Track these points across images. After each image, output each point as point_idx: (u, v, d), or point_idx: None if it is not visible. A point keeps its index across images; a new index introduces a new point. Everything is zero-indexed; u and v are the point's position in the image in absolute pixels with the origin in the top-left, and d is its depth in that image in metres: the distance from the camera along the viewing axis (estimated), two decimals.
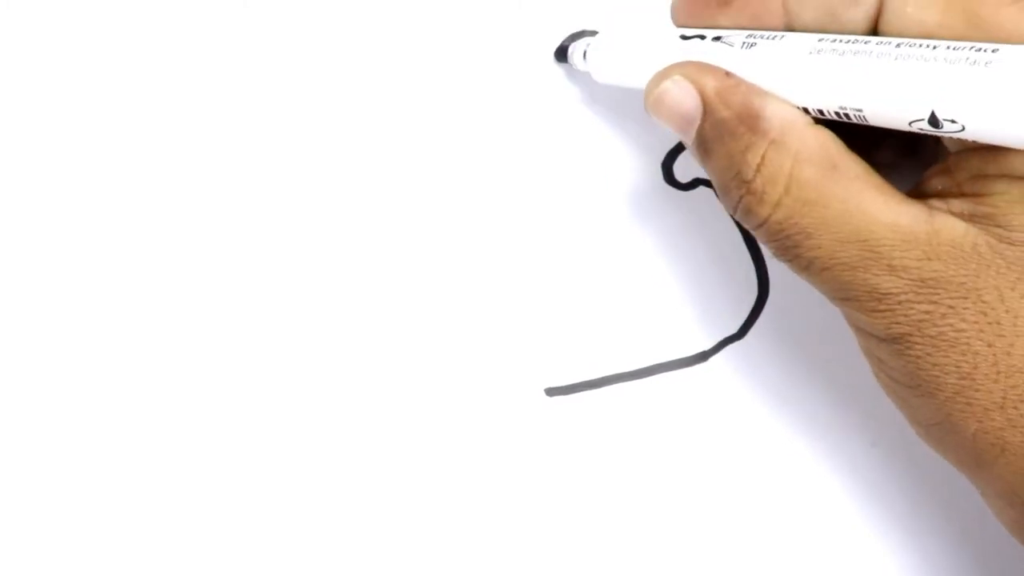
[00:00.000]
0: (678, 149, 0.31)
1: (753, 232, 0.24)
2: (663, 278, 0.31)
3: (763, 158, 0.23)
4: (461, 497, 0.29)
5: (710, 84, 0.24)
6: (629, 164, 0.31)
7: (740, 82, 0.24)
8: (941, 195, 0.23)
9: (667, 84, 0.24)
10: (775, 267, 0.31)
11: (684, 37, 0.26)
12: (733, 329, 0.31)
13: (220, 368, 0.29)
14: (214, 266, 0.30)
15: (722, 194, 0.25)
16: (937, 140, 0.25)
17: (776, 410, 0.30)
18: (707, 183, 0.31)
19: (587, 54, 0.29)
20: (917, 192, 0.24)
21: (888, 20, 0.23)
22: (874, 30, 0.23)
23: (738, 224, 0.31)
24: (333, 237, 0.30)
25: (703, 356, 0.31)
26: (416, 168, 0.31)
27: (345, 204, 0.30)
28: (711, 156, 0.24)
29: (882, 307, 0.22)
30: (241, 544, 0.29)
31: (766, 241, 0.24)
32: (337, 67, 0.31)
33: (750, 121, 0.23)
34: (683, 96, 0.24)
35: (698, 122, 0.24)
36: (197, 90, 0.30)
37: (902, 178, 0.25)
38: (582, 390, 0.30)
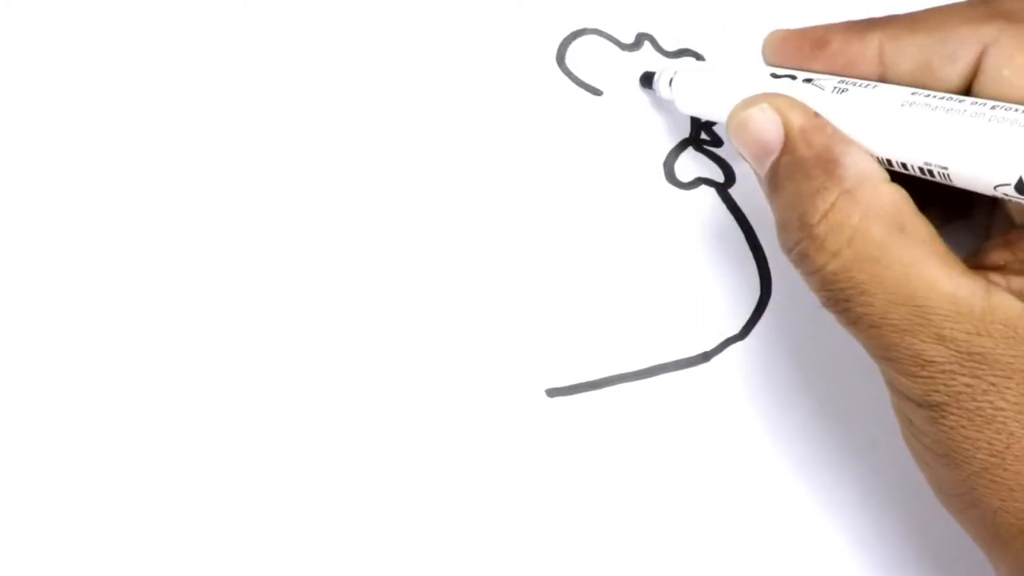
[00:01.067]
0: (680, 148, 0.31)
1: (804, 278, 0.24)
2: (665, 278, 0.31)
3: (832, 205, 0.23)
4: (462, 498, 0.29)
5: (797, 120, 0.24)
6: (630, 163, 0.31)
7: (826, 125, 0.24)
8: (1002, 270, 0.23)
9: (754, 111, 0.24)
10: (777, 268, 0.31)
11: (775, 76, 0.26)
12: (735, 329, 0.31)
13: (220, 368, 0.29)
14: (215, 266, 0.30)
15: (781, 232, 0.24)
16: (994, 209, 0.25)
17: (778, 410, 0.30)
18: (708, 182, 0.31)
19: (673, 83, 0.29)
20: (977, 262, 0.24)
21: (983, 81, 0.23)
22: (967, 90, 0.23)
23: (741, 224, 0.31)
24: (334, 238, 0.30)
25: (705, 356, 0.30)
26: (417, 168, 0.31)
27: (346, 205, 0.30)
28: (780, 192, 0.24)
29: (924, 373, 0.22)
30: (241, 544, 0.28)
31: (817, 289, 0.24)
32: (337, 68, 0.31)
33: (828, 165, 0.23)
34: (768, 125, 0.24)
35: (776, 155, 0.24)
36: (198, 90, 0.31)
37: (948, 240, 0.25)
38: (583, 391, 0.30)
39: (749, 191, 0.31)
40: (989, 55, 0.23)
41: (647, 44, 0.32)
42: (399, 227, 0.30)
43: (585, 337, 0.30)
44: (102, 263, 0.29)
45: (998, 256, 0.23)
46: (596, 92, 0.31)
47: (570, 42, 0.31)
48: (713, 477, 0.30)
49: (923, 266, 0.22)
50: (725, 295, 0.31)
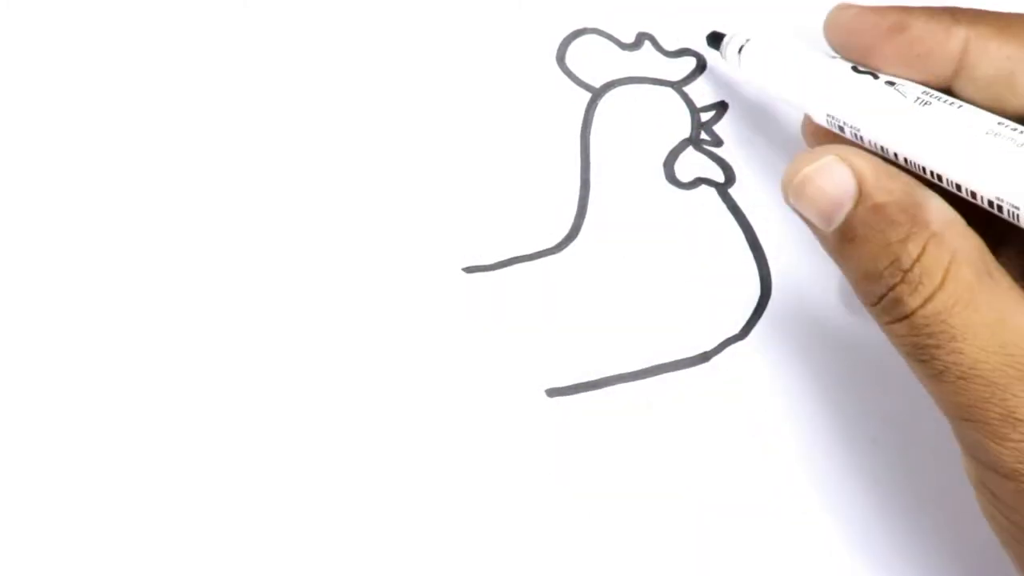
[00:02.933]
0: (680, 148, 0.31)
1: (888, 327, 0.23)
2: (664, 278, 0.31)
3: (924, 249, 0.21)
4: (462, 498, 0.29)
5: (868, 168, 0.22)
6: (630, 163, 0.31)
7: (899, 172, 0.22)
8: None
9: (819, 166, 0.23)
10: (777, 268, 0.31)
11: (857, 70, 0.24)
12: (735, 330, 0.31)
13: (221, 368, 0.29)
14: (215, 266, 0.30)
15: (867, 282, 0.22)
16: None
17: (778, 410, 0.30)
18: (708, 182, 0.31)
19: (743, 51, 0.28)
20: None
21: None
22: None
23: (741, 224, 0.31)
24: (334, 237, 0.30)
25: (705, 356, 0.30)
26: (417, 168, 0.31)
27: (346, 205, 0.30)
28: (859, 243, 0.22)
29: (1015, 435, 0.20)
30: (241, 544, 0.28)
31: (904, 334, 0.22)
32: (337, 67, 0.31)
33: (913, 209, 0.22)
34: (839, 178, 0.22)
35: (849, 207, 0.22)
36: (198, 90, 0.31)
37: None
38: (583, 391, 0.30)
39: (749, 191, 0.31)
40: None
41: (647, 44, 0.32)
42: (399, 226, 0.30)
43: (585, 337, 0.30)
44: (101, 263, 0.29)
45: None
46: (596, 92, 0.31)
47: (570, 42, 0.31)
48: (713, 477, 0.30)
49: (1015, 312, 0.21)
50: (725, 295, 0.31)
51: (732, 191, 0.31)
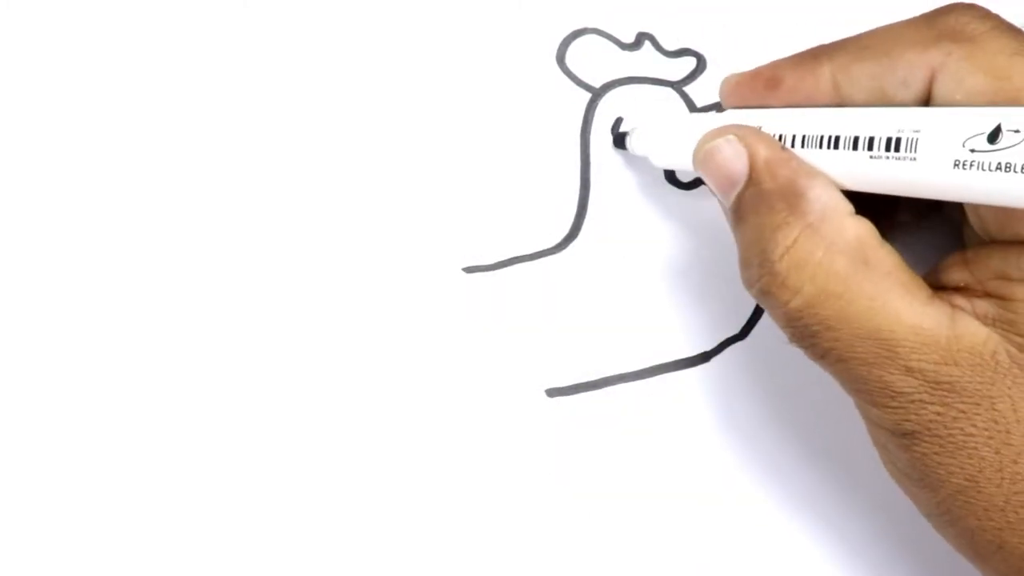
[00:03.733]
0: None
1: (769, 314, 0.24)
2: (665, 278, 0.31)
3: (795, 241, 0.22)
4: (462, 498, 0.29)
5: (762, 152, 0.23)
6: (630, 163, 0.31)
7: (792, 158, 0.23)
8: (964, 291, 0.23)
9: (720, 142, 0.24)
10: None
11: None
12: (735, 329, 0.31)
13: (221, 368, 0.29)
14: (215, 266, 0.30)
15: (743, 269, 0.24)
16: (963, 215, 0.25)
17: (777, 410, 0.30)
18: None
19: (639, 143, 0.29)
20: (938, 280, 0.23)
21: (938, 105, 0.22)
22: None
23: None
24: (334, 238, 0.30)
25: (705, 357, 0.30)
26: (417, 168, 0.31)
27: (346, 205, 0.30)
28: (742, 225, 0.24)
29: (893, 404, 0.22)
30: (242, 543, 0.28)
31: (782, 326, 0.24)
32: (338, 67, 0.31)
33: (792, 199, 0.23)
34: (733, 156, 0.24)
35: (740, 187, 0.24)
36: (198, 90, 0.31)
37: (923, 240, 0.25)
38: (583, 391, 0.30)
39: None
40: (939, 80, 0.22)
41: (647, 44, 0.32)
42: (399, 227, 0.30)
43: (585, 337, 0.30)
44: (101, 263, 0.29)
45: (958, 276, 0.23)
46: (596, 92, 0.31)
47: (570, 42, 0.31)
48: (713, 477, 0.30)
49: (887, 299, 0.22)
50: (725, 295, 0.31)
51: None
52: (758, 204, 0.23)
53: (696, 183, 0.31)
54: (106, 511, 0.28)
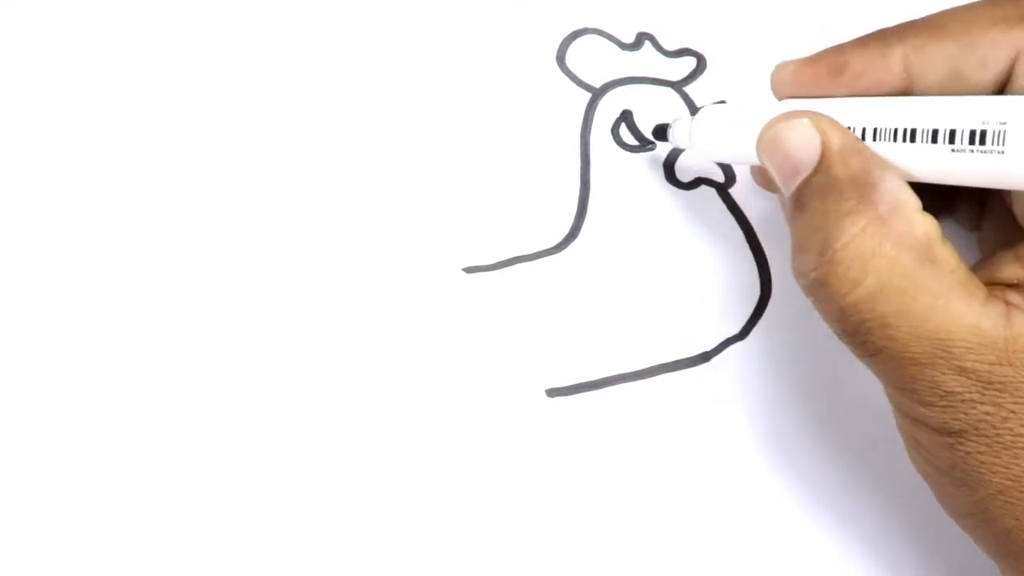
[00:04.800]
0: (680, 148, 0.31)
1: (818, 306, 0.23)
2: (665, 278, 0.31)
3: (863, 229, 0.22)
4: (462, 498, 0.29)
5: (836, 139, 0.22)
6: (631, 163, 0.31)
7: (865, 149, 0.23)
8: (1017, 287, 0.22)
9: (791, 124, 0.23)
10: (777, 268, 0.31)
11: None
12: (735, 330, 0.31)
13: (222, 368, 0.29)
14: (215, 267, 0.30)
15: (798, 255, 0.23)
16: (994, 210, 0.25)
17: (778, 411, 0.30)
18: (708, 182, 0.31)
19: (692, 132, 0.28)
20: (990, 276, 0.23)
21: (1019, 87, 0.22)
22: (1002, 92, 0.23)
23: (741, 224, 0.31)
24: (334, 238, 0.30)
25: (705, 357, 0.30)
26: (417, 169, 0.31)
27: (346, 205, 0.30)
28: (804, 211, 0.23)
29: (942, 403, 0.22)
30: (242, 543, 0.28)
31: (832, 319, 0.23)
32: (338, 68, 0.31)
33: (864, 188, 0.22)
34: (805, 141, 0.23)
35: (806, 173, 0.23)
36: (198, 91, 0.31)
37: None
38: (583, 391, 0.30)
39: (749, 191, 0.31)
40: (1022, 62, 0.22)
41: (647, 44, 0.32)
42: (399, 227, 0.30)
43: (585, 337, 0.30)
44: (101, 263, 0.29)
45: (1011, 271, 0.23)
46: (596, 92, 0.31)
47: (570, 42, 0.31)
48: (713, 477, 0.30)
49: (949, 299, 0.21)
50: (725, 295, 0.31)
51: (732, 191, 0.31)
52: (826, 191, 0.22)
53: (696, 183, 0.31)
54: (106, 511, 0.28)
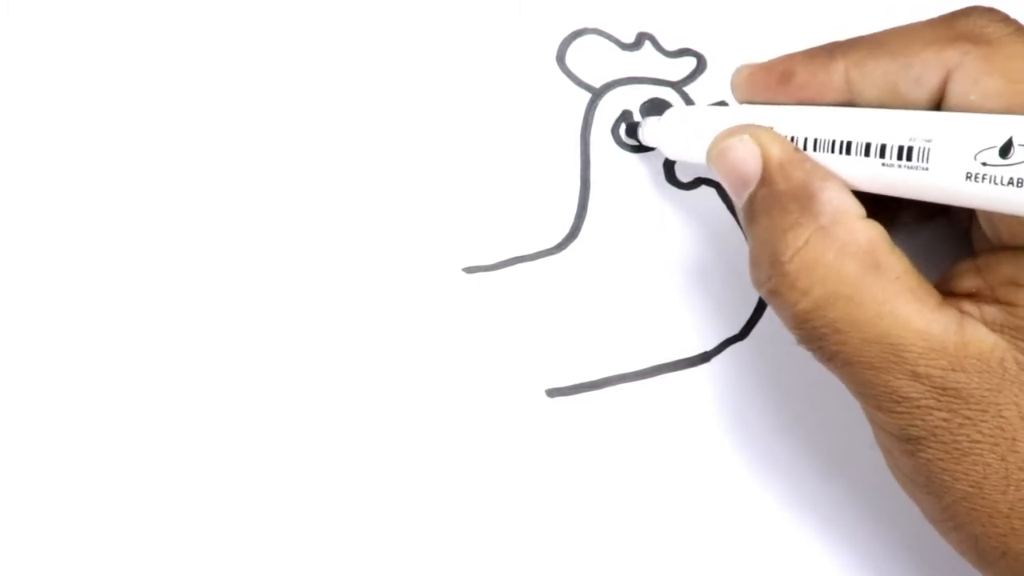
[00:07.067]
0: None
1: (777, 315, 0.24)
2: (665, 278, 0.31)
3: (806, 242, 0.22)
4: (462, 498, 0.29)
5: (776, 152, 0.23)
6: (631, 163, 0.31)
7: (805, 159, 0.23)
8: (974, 297, 0.23)
9: (734, 140, 0.24)
10: None
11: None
12: (735, 330, 0.31)
13: (221, 369, 0.29)
14: (215, 267, 0.30)
15: (752, 267, 0.24)
16: (973, 220, 0.25)
17: (778, 411, 0.30)
18: (708, 183, 0.31)
19: (659, 133, 0.29)
20: (948, 287, 0.23)
21: (951, 106, 0.22)
22: (937, 108, 0.23)
23: (741, 224, 0.31)
24: (334, 238, 0.30)
25: (705, 357, 0.30)
26: (417, 168, 0.31)
27: (346, 205, 0.30)
28: (754, 225, 0.24)
29: (900, 409, 0.22)
30: (242, 543, 0.28)
31: (790, 327, 0.24)
32: (337, 69, 0.31)
33: (804, 200, 0.23)
34: (746, 156, 0.24)
35: (753, 187, 0.24)
36: (198, 91, 0.31)
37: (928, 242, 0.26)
38: (583, 391, 0.30)
39: None
40: (954, 79, 0.22)
41: (647, 44, 0.32)
42: (399, 227, 0.30)
43: (585, 337, 0.30)
44: (101, 263, 0.29)
45: (969, 282, 0.23)
46: (596, 92, 0.31)
47: (570, 42, 0.31)
48: (713, 477, 0.30)
49: (896, 303, 0.22)
50: (725, 295, 0.31)
51: None
52: (770, 205, 0.23)
53: (696, 183, 0.31)
54: (106, 510, 0.28)
